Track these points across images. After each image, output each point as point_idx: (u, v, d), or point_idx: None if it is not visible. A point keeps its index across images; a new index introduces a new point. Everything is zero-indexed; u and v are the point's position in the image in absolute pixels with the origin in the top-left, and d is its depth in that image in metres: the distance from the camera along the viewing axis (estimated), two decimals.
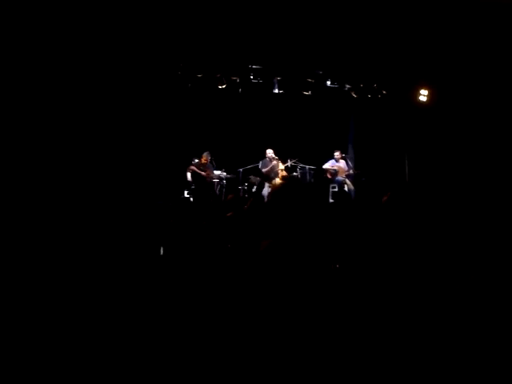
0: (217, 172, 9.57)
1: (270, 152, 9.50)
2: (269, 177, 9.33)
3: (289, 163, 9.70)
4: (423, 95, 9.66)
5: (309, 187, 9.13)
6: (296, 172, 9.96)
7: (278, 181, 9.10)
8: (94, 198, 7.02)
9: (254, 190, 9.52)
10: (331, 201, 9.46)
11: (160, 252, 3.99)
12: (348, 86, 9.86)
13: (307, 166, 9.97)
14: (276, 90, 9.81)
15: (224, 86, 9.37)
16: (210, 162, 9.47)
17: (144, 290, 3.11)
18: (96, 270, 3.55)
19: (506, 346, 2.06)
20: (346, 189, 9.51)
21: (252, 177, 9.58)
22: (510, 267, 2.82)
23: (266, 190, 9.05)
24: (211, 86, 9.42)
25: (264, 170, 9.40)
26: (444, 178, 8.88)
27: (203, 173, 9.11)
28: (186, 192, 9.32)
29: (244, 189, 9.57)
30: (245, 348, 1.90)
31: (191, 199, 8.95)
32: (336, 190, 9.52)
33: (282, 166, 9.49)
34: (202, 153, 9.42)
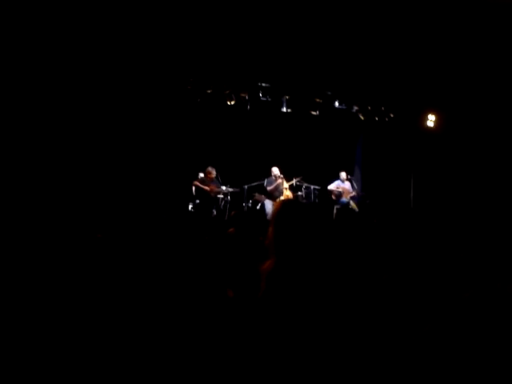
0: (222, 187, 9.55)
1: (275, 170, 9.48)
2: (273, 195, 9.31)
3: (294, 182, 9.68)
4: (430, 120, 9.68)
5: (311, 207, 9.10)
6: (301, 191, 9.94)
7: (282, 199, 9.08)
8: (101, 210, 7.06)
9: (258, 207, 9.51)
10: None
11: (161, 262, 3.97)
12: (356, 107, 9.89)
13: (312, 186, 9.94)
14: (284, 109, 9.86)
15: (233, 103, 9.43)
16: (216, 177, 9.46)
17: (143, 301, 3.09)
18: (99, 280, 3.54)
19: (506, 346, 2.02)
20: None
21: (257, 194, 9.56)
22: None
23: (270, 208, 9.02)
24: (220, 102, 9.49)
25: (269, 188, 9.38)
26: (449, 202, 8.84)
27: (206, 187, 9.09)
28: (190, 206, 9.32)
29: (248, 206, 9.54)
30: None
31: (194, 214, 8.95)
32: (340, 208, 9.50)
33: (286, 185, 9.47)
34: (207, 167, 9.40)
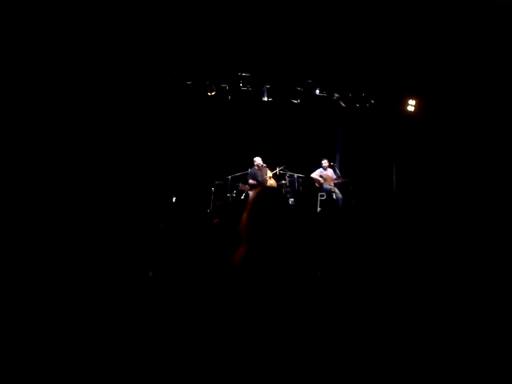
0: None
1: (258, 160, 9.50)
2: (257, 185, 9.32)
3: (277, 170, 9.70)
4: (411, 105, 9.75)
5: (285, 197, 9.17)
6: (284, 180, 9.96)
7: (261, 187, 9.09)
8: (84, 204, 6.97)
9: (242, 197, 9.51)
10: (319, 209, 9.48)
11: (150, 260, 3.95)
12: (337, 94, 9.90)
13: (295, 174, 9.98)
14: (265, 98, 9.83)
15: (213, 94, 9.36)
16: None
17: (132, 296, 3.08)
18: (87, 274, 3.52)
19: (506, 345, 2.06)
20: (334, 197, 9.51)
21: (240, 184, 9.57)
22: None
23: None
24: (201, 93, 9.41)
25: (250, 182, 9.42)
26: (431, 186, 8.94)
27: None
28: (174, 198, 9.28)
29: (232, 196, 9.54)
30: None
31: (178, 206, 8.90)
32: (324, 198, 9.54)
33: (270, 174, 9.49)
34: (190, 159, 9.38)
